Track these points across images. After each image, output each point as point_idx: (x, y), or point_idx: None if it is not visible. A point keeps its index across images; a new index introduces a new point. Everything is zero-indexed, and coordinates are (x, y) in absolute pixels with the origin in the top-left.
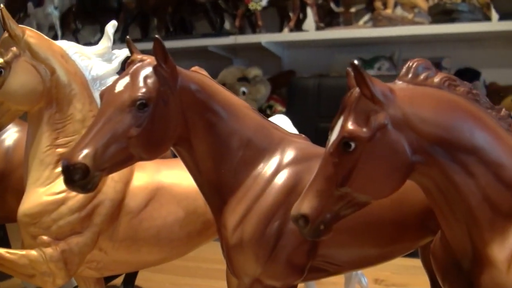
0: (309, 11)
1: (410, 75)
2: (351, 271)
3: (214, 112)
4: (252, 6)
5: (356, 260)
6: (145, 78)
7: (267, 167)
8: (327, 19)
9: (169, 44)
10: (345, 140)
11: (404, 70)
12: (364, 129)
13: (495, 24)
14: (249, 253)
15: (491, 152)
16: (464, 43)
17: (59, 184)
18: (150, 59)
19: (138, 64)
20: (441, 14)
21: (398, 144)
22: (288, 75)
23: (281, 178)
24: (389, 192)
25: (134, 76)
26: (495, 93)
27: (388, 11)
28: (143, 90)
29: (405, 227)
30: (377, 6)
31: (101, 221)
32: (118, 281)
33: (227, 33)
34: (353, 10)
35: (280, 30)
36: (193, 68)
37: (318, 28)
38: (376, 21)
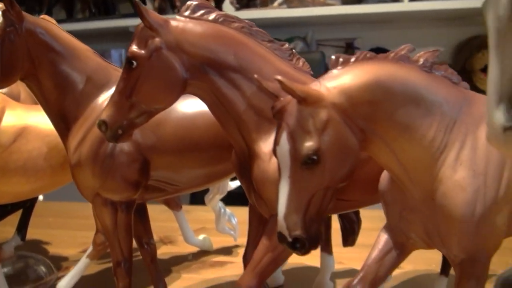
0: None
1: (187, 12)
2: (188, 191)
3: (57, 52)
4: None
5: (188, 180)
6: None
7: (103, 100)
8: (244, 1)
9: (92, 24)
10: (128, 60)
11: (184, 8)
12: (143, 51)
13: (405, 5)
14: (86, 170)
15: (255, 71)
16: (375, 24)
17: None
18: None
19: None
20: None
21: (172, 63)
22: None
23: None
24: (169, 101)
25: None
26: None
27: None
28: None
29: (223, 148)
30: None
31: None
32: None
33: None
34: None
35: None
36: (41, 16)
37: (237, 9)
38: (289, 3)
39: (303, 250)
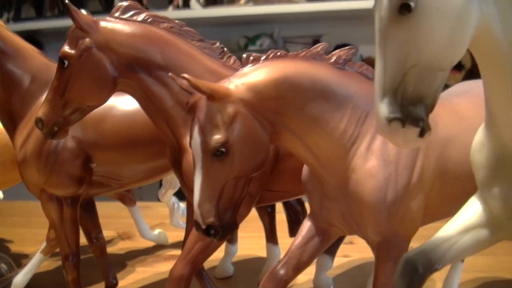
0: None
1: (118, 13)
2: (133, 186)
3: (2, 52)
4: None
5: (131, 175)
6: None
7: None
8: None
9: (61, 22)
10: (60, 59)
11: (114, 9)
12: (74, 51)
13: (371, 2)
14: (32, 167)
15: (182, 69)
16: (342, 21)
17: None
18: None
19: None
20: None
21: (101, 62)
22: None
23: None
24: (101, 99)
25: None
26: (371, 66)
27: None
28: None
29: (164, 143)
30: None
31: None
32: None
33: None
34: None
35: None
36: None
37: (203, 6)
38: (255, 0)
39: (217, 236)
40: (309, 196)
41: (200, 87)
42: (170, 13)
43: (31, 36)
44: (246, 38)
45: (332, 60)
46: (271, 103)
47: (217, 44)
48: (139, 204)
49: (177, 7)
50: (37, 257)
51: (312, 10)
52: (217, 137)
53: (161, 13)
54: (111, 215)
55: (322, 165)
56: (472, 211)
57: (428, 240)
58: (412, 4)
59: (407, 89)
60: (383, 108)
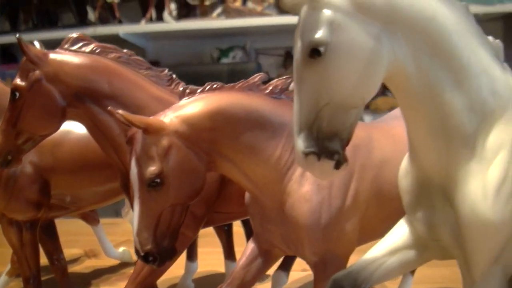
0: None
1: (67, 45)
2: (89, 208)
3: None
4: None
5: (88, 198)
6: None
7: None
8: (184, 11)
9: (35, 36)
10: (12, 91)
11: (64, 41)
12: (24, 83)
13: None
14: None
15: (129, 97)
16: None
17: None
18: None
19: None
20: None
21: (50, 94)
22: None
23: None
24: (52, 129)
25: None
26: None
27: (237, 3)
28: None
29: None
30: None
31: None
32: None
33: (88, 24)
34: (207, 3)
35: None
36: None
37: (176, 19)
38: (227, 13)
39: (156, 263)
40: (251, 218)
41: (134, 122)
42: (143, 26)
43: (6, 50)
44: (219, 51)
45: (268, 90)
46: (206, 134)
47: (166, 71)
48: (105, 220)
49: (150, 20)
50: (2, 278)
51: (283, 22)
52: (152, 168)
53: (134, 26)
54: (78, 233)
55: (260, 190)
56: (399, 233)
57: (357, 261)
58: (321, 49)
59: (322, 125)
60: (300, 143)
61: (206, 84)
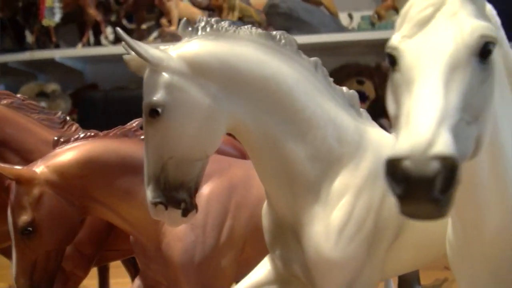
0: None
1: None
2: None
3: None
4: (45, 22)
5: None
6: None
7: None
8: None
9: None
10: None
11: None
12: None
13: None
14: None
15: (19, 142)
16: None
17: None
18: None
19: None
20: None
21: None
22: (90, 89)
23: None
24: None
25: None
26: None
27: (173, 27)
28: None
29: None
30: (162, 23)
31: None
32: None
33: (26, 49)
34: (144, 27)
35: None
36: None
37: (112, 43)
38: (162, 37)
39: None
40: (136, 256)
41: (5, 172)
42: (80, 50)
43: None
44: None
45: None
46: (77, 182)
47: (59, 114)
48: None
49: (88, 43)
50: None
51: None
52: (24, 217)
53: (71, 50)
54: (7, 266)
55: (138, 231)
56: (263, 270)
57: None
58: (159, 109)
59: (168, 176)
60: (148, 194)
61: (81, 132)
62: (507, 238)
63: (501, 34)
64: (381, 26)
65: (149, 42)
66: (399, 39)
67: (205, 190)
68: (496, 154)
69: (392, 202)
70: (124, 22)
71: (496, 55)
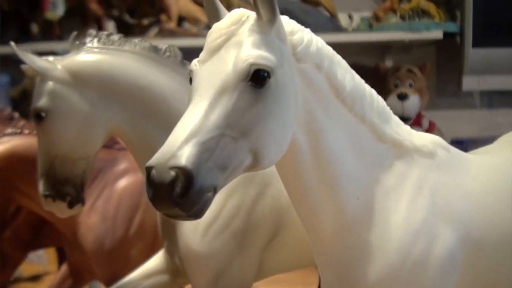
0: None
1: None
2: None
3: None
4: (49, 15)
5: None
6: None
7: None
8: (123, 30)
9: None
10: None
11: None
12: None
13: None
14: None
15: None
16: None
17: None
18: None
19: None
20: None
21: None
22: None
23: None
24: None
25: None
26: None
27: (172, 24)
28: None
29: None
30: (162, 19)
31: None
32: None
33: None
34: (145, 22)
35: None
36: None
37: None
38: (162, 34)
39: None
40: (63, 243)
41: None
42: None
43: None
44: None
45: None
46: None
47: (9, 111)
48: None
49: None
50: None
51: None
52: None
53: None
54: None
55: (57, 221)
56: (157, 259)
57: (116, 284)
58: (43, 114)
59: (55, 172)
60: (40, 187)
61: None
62: (344, 236)
63: (320, 57)
64: (378, 28)
65: (150, 38)
66: (195, 63)
67: (120, 185)
68: (322, 164)
69: (266, 203)
70: (126, 17)
71: (287, 79)
